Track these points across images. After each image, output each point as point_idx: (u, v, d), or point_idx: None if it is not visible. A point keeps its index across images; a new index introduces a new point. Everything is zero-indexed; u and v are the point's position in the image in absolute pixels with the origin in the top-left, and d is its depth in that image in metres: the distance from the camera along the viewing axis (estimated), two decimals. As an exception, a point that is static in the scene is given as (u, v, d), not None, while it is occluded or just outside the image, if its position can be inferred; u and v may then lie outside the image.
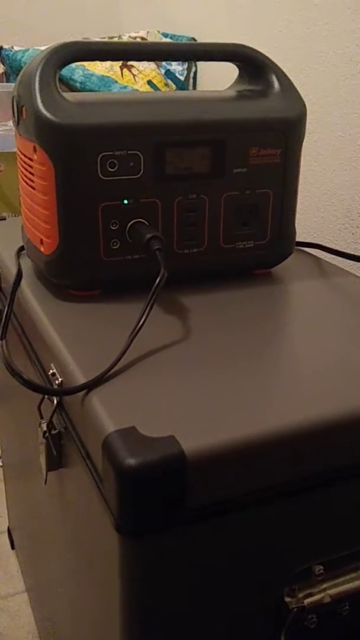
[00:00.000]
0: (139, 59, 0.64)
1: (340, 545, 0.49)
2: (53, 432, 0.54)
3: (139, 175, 0.59)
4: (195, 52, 0.65)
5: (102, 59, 0.62)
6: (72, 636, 0.66)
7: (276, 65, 0.66)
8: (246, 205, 0.64)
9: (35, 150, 0.58)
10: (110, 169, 0.58)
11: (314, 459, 0.44)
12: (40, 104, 0.57)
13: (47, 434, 0.53)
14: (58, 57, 0.59)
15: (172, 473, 0.39)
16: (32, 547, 0.87)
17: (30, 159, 0.60)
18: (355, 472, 0.46)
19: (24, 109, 0.59)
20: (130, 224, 0.60)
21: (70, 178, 0.57)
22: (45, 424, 0.54)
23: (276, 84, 0.65)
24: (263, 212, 0.65)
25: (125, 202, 0.59)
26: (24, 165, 0.63)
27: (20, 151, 0.64)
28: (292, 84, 0.66)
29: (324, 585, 0.49)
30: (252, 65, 0.66)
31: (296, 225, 1.03)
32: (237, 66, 0.69)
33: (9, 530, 1.13)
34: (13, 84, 0.64)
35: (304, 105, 0.64)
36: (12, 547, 1.12)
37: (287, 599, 0.48)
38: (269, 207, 0.65)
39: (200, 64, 1.43)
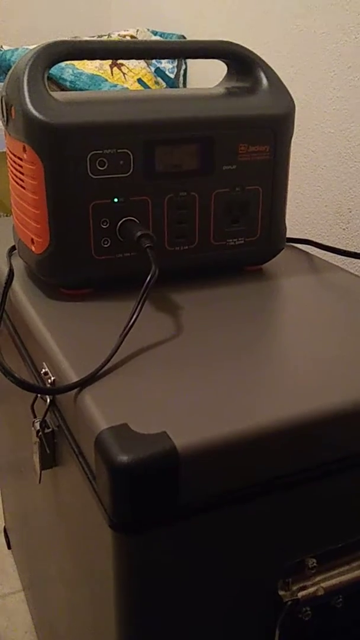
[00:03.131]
0: (128, 57, 0.64)
1: (333, 538, 0.49)
2: (46, 430, 0.54)
3: (129, 173, 0.59)
4: (183, 50, 0.65)
5: (91, 57, 0.62)
6: (69, 633, 0.66)
7: (264, 62, 0.66)
8: (236, 202, 0.64)
9: (24, 149, 0.58)
10: (100, 168, 0.58)
11: (306, 453, 0.45)
12: (29, 103, 0.57)
13: (40, 433, 0.53)
14: (46, 56, 0.59)
15: (165, 469, 0.40)
16: (28, 547, 0.87)
17: (20, 159, 0.60)
18: (348, 465, 0.47)
19: (12, 108, 0.59)
20: (120, 222, 0.60)
21: (60, 177, 0.57)
22: (39, 422, 0.54)
23: (264, 81, 0.65)
24: (253, 208, 0.65)
25: (116, 200, 0.59)
26: (14, 165, 0.63)
27: (10, 151, 0.64)
28: (280, 80, 0.66)
29: (318, 578, 0.49)
30: (240, 62, 0.66)
31: (287, 221, 1.04)
32: (226, 63, 0.69)
33: (5, 530, 1.13)
34: (1, 84, 0.64)
35: (292, 101, 0.65)
36: (9, 547, 1.12)
37: (281, 592, 0.48)
38: (259, 203, 0.65)
39: (190, 61, 1.43)
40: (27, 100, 0.57)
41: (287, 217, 1.03)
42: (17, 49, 1.41)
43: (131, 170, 0.59)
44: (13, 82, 0.59)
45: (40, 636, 0.91)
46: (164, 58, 0.64)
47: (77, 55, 0.61)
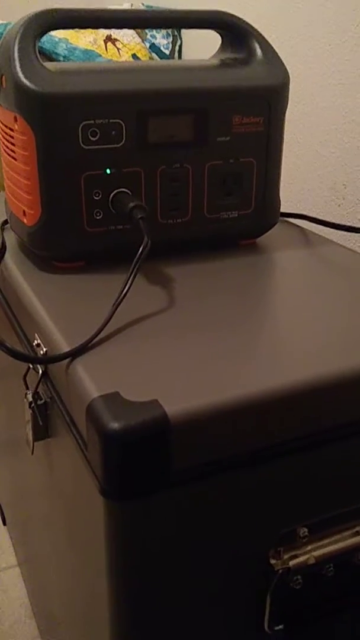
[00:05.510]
0: (120, 26, 0.63)
1: (325, 508, 0.50)
2: (39, 402, 0.54)
3: (121, 144, 0.58)
4: (177, 20, 0.64)
5: (82, 26, 0.61)
6: (63, 606, 0.67)
7: (258, 32, 0.65)
8: (230, 175, 0.64)
9: (16, 120, 0.57)
10: (91, 138, 0.57)
11: (299, 422, 0.45)
12: (20, 72, 0.56)
13: (32, 405, 0.53)
14: (37, 25, 0.58)
15: (156, 436, 0.40)
16: (23, 521, 0.88)
17: (11, 129, 0.59)
18: (340, 434, 0.47)
19: (3, 78, 0.58)
20: (113, 193, 0.59)
21: (51, 148, 0.57)
22: (31, 394, 0.54)
23: (259, 52, 0.65)
24: (247, 181, 0.65)
25: (108, 171, 0.59)
26: (5, 135, 0.62)
27: (1, 121, 0.63)
28: (274, 51, 0.65)
29: (309, 547, 0.49)
30: (234, 33, 0.66)
31: (282, 197, 1.03)
32: (220, 34, 0.68)
33: (0, 506, 1.13)
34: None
35: (287, 72, 0.64)
36: (4, 523, 1.13)
37: (273, 561, 0.49)
38: (253, 176, 0.65)
39: (185, 36, 1.41)
40: (18, 69, 0.56)
41: (281, 193, 1.02)
42: (8, 23, 1.39)
43: (123, 140, 0.58)
44: (4, 52, 0.58)
45: (35, 610, 0.91)
46: (157, 27, 0.63)
47: (68, 23, 0.60)
